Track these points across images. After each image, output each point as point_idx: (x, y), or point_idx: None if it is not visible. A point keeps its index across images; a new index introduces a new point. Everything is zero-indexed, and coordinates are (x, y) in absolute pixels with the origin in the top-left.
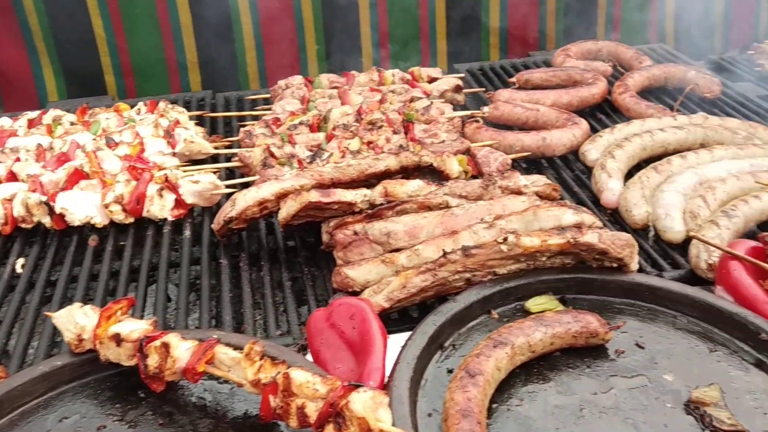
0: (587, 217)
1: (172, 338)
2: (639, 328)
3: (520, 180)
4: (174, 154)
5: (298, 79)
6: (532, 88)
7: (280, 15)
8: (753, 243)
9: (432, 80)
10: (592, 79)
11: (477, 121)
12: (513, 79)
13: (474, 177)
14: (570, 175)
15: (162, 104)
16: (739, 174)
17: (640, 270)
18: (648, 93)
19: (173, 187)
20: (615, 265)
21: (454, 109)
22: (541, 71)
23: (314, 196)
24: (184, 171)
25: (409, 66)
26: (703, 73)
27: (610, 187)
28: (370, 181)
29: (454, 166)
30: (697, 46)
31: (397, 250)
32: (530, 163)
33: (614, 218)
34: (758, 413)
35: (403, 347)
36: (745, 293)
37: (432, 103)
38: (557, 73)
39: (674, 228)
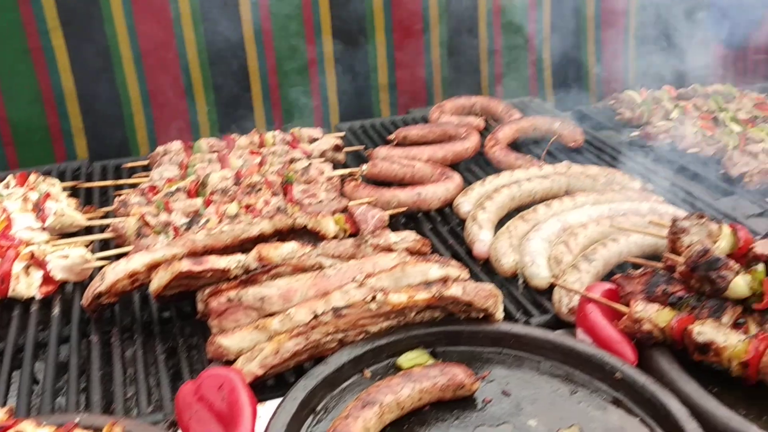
0: (453, 270)
1: (27, 426)
2: (506, 375)
3: (391, 237)
4: (44, 229)
5: (176, 145)
6: (411, 144)
7: (168, 78)
8: (609, 285)
9: (313, 140)
10: (465, 133)
11: (356, 179)
12: (391, 136)
13: (352, 235)
14: (446, 228)
15: (33, 176)
16: (599, 219)
17: (511, 317)
18: (518, 144)
19: (40, 264)
20: (481, 315)
21: (335, 168)
22: (418, 128)
23: (185, 265)
24: (53, 246)
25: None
26: (567, 123)
27: (481, 238)
28: (245, 246)
29: (329, 226)
30: (571, 98)
31: (273, 314)
32: (408, 218)
33: (487, 268)
34: None
35: (274, 414)
36: (601, 334)
37: (311, 163)
38: (433, 129)
39: (540, 274)
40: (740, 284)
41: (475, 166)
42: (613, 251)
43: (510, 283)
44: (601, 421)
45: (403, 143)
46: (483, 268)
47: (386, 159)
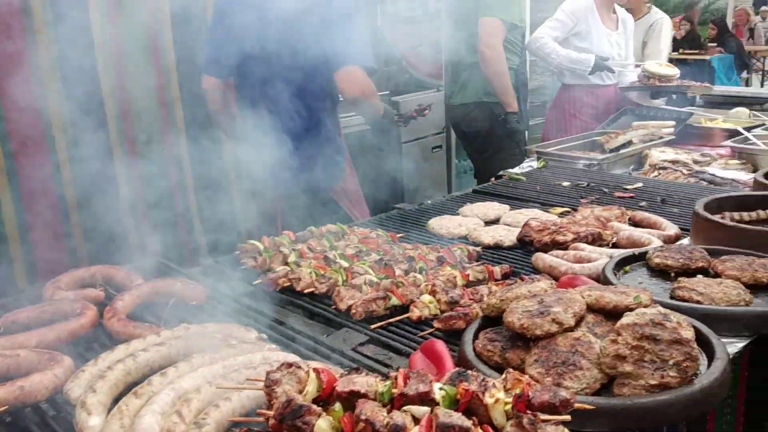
0: None
1: None
2: None
3: None
4: None
5: None
6: (24, 329)
7: None
8: None
9: None
10: (80, 309)
11: None
12: None
13: None
14: (57, 419)
15: None
16: (213, 379)
17: None
18: (145, 311)
19: None
20: None
21: None
22: (28, 310)
23: None
24: None
25: None
26: (187, 283)
27: (91, 425)
28: None
29: None
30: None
31: None
32: (14, 414)
33: None
34: None
35: None
36: None
37: None
38: (46, 309)
39: None
40: (322, 427)
41: (95, 343)
42: (226, 411)
43: None
44: None
45: (12, 330)
46: None
47: None
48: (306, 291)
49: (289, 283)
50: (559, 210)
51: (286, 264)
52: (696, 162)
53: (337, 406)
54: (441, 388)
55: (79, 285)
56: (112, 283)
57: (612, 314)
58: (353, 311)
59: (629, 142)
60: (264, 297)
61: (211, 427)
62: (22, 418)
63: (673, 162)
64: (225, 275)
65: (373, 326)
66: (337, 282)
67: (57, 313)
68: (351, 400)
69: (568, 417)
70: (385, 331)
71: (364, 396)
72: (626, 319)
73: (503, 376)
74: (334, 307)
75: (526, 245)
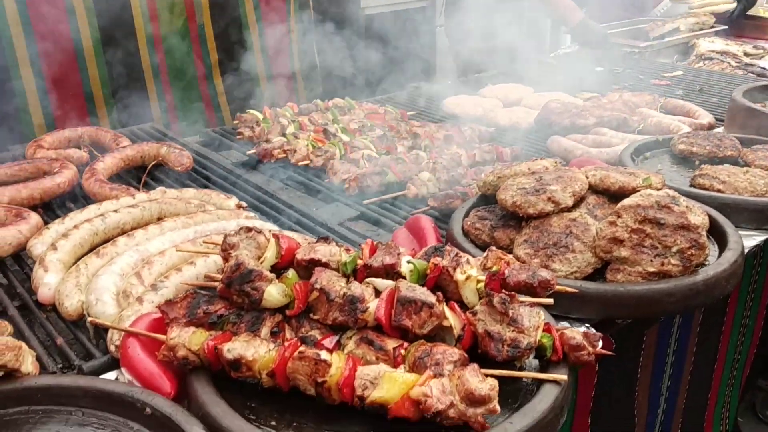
0: None
1: None
2: None
3: None
4: None
5: None
6: (2, 186)
7: None
8: (156, 315)
9: None
10: (59, 168)
11: None
12: None
13: None
14: (20, 275)
15: None
16: (182, 244)
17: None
18: (127, 174)
19: None
20: (1, 373)
21: None
22: (6, 166)
23: None
24: None
25: None
26: (174, 148)
27: (46, 281)
28: None
29: None
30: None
31: None
32: None
33: (57, 314)
34: None
35: None
36: (140, 369)
37: None
38: (24, 166)
39: (106, 312)
40: (272, 293)
41: (71, 203)
42: (188, 276)
43: (80, 327)
44: None
45: None
46: (51, 315)
47: None
48: (300, 163)
49: (284, 155)
50: (587, 95)
51: (284, 135)
52: (747, 54)
53: (291, 272)
54: (409, 262)
55: (65, 145)
56: (98, 145)
57: (617, 197)
58: (346, 186)
59: (676, 30)
60: (256, 168)
61: (169, 291)
62: None
63: (722, 53)
64: (221, 144)
65: (365, 201)
66: (334, 156)
67: (35, 172)
68: (311, 269)
69: (549, 300)
70: (378, 207)
71: (325, 265)
72: (629, 200)
73: (484, 254)
74: (327, 181)
75: (544, 128)
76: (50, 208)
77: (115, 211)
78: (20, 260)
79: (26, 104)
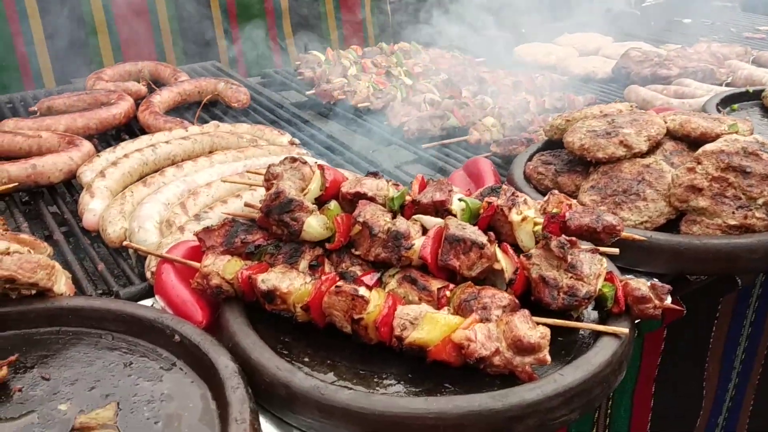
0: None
1: None
2: (53, 357)
3: None
4: None
5: None
6: (59, 114)
7: None
8: (193, 243)
9: None
10: (116, 99)
11: None
12: (34, 108)
13: None
14: (69, 203)
15: None
16: (231, 177)
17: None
18: (184, 109)
19: None
20: (34, 291)
21: None
22: (65, 96)
23: None
24: None
25: None
26: (231, 84)
27: (91, 207)
28: None
29: None
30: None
31: None
32: (32, 195)
33: (102, 242)
34: (149, 424)
35: None
36: (172, 296)
37: None
38: (82, 97)
39: (147, 240)
40: (313, 225)
41: (127, 135)
42: (233, 209)
43: (122, 254)
44: (148, 391)
45: (48, 114)
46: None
47: (11, 132)
48: (360, 105)
49: (343, 96)
50: (672, 46)
51: (345, 77)
52: None
53: (333, 204)
54: (461, 200)
55: (125, 78)
56: (158, 79)
57: (698, 143)
58: (405, 128)
59: None
60: (315, 107)
61: (212, 222)
62: (36, 198)
63: None
64: (282, 85)
65: (424, 145)
66: (395, 98)
67: (93, 103)
68: (356, 204)
69: (614, 250)
70: (437, 152)
71: (371, 199)
72: (711, 145)
73: (545, 197)
74: (387, 123)
75: (622, 78)
76: (105, 139)
77: (167, 142)
78: (71, 188)
79: (95, 36)
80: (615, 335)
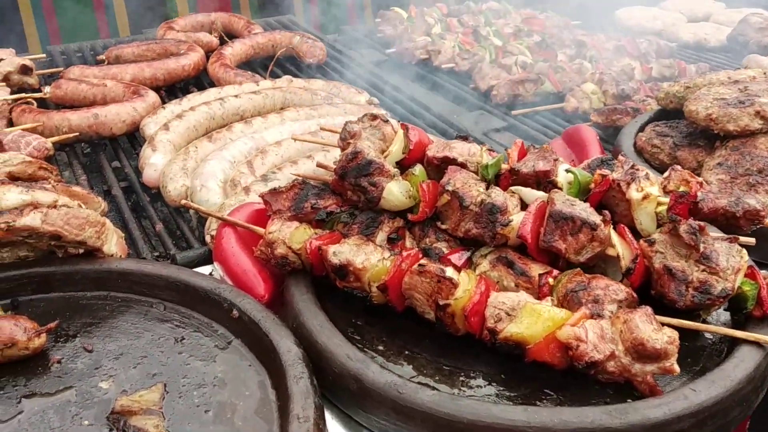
0: (45, 196)
1: None
2: (99, 325)
3: None
4: None
5: None
6: (126, 63)
7: None
8: (259, 206)
9: None
10: (186, 50)
11: (28, 104)
12: (102, 56)
13: None
14: (132, 156)
15: None
16: (302, 135)
17: (161, 254)
18: (257, 64)
19: None
20: (81, 251)
21: (17, 92)
22: (134, 45)
23: None
24: None
25: None
26: (307, 38)
27: (152, 162)
28: None
29: None
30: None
31: None
32: (93, 147)
33: (162, 200)
34: (198, 412)
35: None
36: (232, 264)
37: None
38: (151, 47)
39: (210, 200)
40: (393, 191)
41: (195, 87)
42: (303, 170)
43: (182, 214)
44: (200, 373)
45: (116, 63)
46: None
47: (74, 80)
48: (444, 66)
49: (427, 56)
50: None
51: (429, 36)
52: None
53: (418, 168)
54: (568, 171)
55: (197, 29)
56: (231, 31)
57: None
58: (494, 92)
59: None
60: (395, 67)
61: (280, 183)
62: (98, 150)
63: None
64: (360, 42)
65: (515, 112)
66: (483, 59)
67: (163, 53)
68: (444, 169)
69: (751, 240)
70: (528, 119)
71: (462, 165)
72: None
73: (666, 173)
74: (473, 87)
75: (739, 47)
76: (173, 92)
77: (236, 96)
78: (134, 141)
79: None
80: (758, 344)
